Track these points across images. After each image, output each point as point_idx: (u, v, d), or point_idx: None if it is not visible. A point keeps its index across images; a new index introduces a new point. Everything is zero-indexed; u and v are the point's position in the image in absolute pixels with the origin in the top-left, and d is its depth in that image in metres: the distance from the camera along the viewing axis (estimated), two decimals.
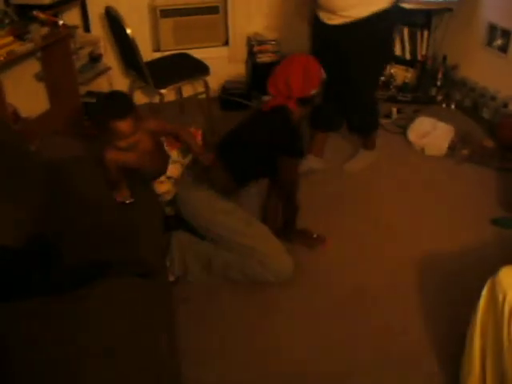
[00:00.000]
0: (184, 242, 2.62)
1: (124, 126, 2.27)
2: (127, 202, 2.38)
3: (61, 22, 3.45)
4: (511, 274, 1.74)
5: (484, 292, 1.79)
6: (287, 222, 2.77)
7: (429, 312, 2.42)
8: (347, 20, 2.90)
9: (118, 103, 2.31)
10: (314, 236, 2.84)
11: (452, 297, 2.47)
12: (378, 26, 2.94)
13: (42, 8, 3.38)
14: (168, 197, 2.65)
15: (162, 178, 2.63)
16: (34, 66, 3.76)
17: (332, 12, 2.92)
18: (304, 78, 2.54)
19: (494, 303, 1.73)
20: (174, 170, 2.66)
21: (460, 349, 1.94)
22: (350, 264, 2.71)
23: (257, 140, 2.52)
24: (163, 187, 2.63)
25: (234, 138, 2.62)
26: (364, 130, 3.55)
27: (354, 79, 3.13)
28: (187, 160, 2.72)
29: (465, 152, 3.62)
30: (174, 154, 2.69)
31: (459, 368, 1.94)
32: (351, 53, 3.02)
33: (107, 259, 1.84)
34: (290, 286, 2.53)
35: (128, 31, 3.29)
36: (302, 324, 2.37)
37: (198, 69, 3.73)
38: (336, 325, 2.37)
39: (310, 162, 3.41)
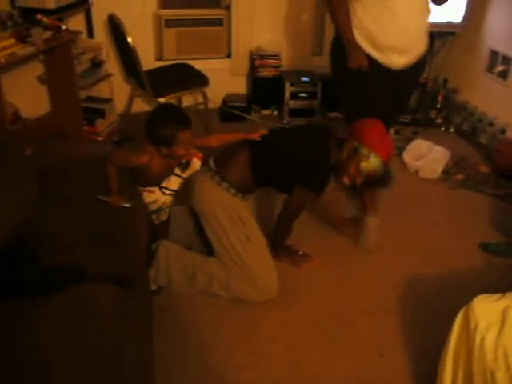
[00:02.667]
0: (171, 252, 2.62)
1: (189, 135, 2.34)
2: (127, 205, 2.37)
3: (63, 27, 3.49)
4: (485, 302, 1.73)
5: (457, 319, 1.78)
6: (276, 240, 2.75)
7: (406, 336, 2.41)
8: (418, 55, 2.78)
9: (184, 114, 2.38)
10: (300, 253, 2.83)
11: (431, 321, 2.45)
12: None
13: (47, 12, 3.42)
14: (154, 207, 2.66)
15: (153, 188, 2.64)
16: (37, 69, 3.79)
17: (401, 51, 2.71)
18: (381, 138, 2.39)
19: (467, 332, 1.73)
20: (174, 183, 2.67)
21: (434, 374, 1.93)
22: (333, 284, 2.70)
23: (293, 157, 2.47)
24: (152, 197, 2.64)
25: (273, 141, 2.54)
26: None
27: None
28: (186, 175, 2.72)
29: (459, 177, 3.62)
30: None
31: None
32: (410, 88, 2.99)
33: (83, 264, 1.84)
34: (270, 304, 2.52)
35: (129, 39, 3.33)
36: (279, 343, 2.36)
37: (198, 80, 3.76)
38: (313, 345, 2.36)
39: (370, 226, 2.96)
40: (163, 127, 2.30)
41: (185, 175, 2.71)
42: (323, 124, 2.79)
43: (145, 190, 2.61)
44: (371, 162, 2.35)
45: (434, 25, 4.08)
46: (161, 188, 2.63)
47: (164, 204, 2.67)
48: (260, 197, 2.88)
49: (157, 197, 2.63)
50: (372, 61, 2.70)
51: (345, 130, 2.56)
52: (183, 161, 2.67)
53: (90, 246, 2.04)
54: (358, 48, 2.68)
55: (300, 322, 2.47)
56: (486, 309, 1.72)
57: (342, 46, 2.72)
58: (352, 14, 2.65)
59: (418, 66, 2.83)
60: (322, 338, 2.39)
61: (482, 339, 1.66)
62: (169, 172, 2.60)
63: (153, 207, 2.64)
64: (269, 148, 2.50)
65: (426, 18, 2.73)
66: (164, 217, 2.74)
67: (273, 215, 2.80)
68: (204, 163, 2.71)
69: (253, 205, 2.77)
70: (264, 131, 2.53)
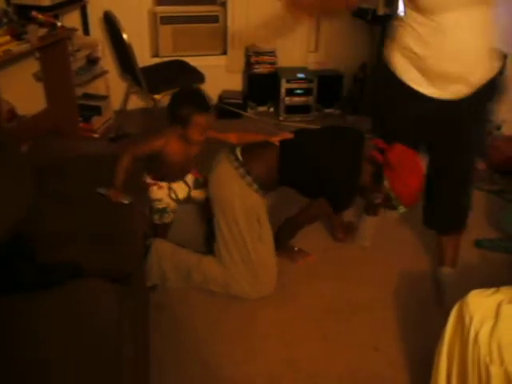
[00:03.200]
0: (164, 251, 2.60)
1: (207, 119, 2.40)
2: (126, 202, 2.38)
3: (59, 24, 3.48)
4: (479, 297, 1.74)
5: (452, 314, 1.79)
6: (279, 239, 2.70)
7: (402, 330, 2.42)
8: (478, 83, 2.22)
9: (204, 99, 2.44)
10: (296, 249, 2.84)
11: (426, 316, 2.47)
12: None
13: (42, 9, 3.42)
14: (158, 205, 2.65)
15: (163, 183, 2.62)
16: (33, 66, 3.79)
17: (454, 79, 2.21)
18: (416, 192, 2.34)
19: (462, 326, 1.74)
20: (182, 191, 2.67)
21: (429, 368, 1.94)
22: (329, 280, 2.71)
23: (324, 171, 2.44)
24: (159, 193, 2.63)
25: (306, 146, 2.52)
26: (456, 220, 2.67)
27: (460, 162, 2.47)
28: (195, 193, 2.73)
29: None
30: (189, 177, 2.70)
31: None
32: (468, 124, 2.35)
33: (81, 261, 1.84)
34: (266, 300, 2.53)
35: (124, 36, 3.33)
36: (274, 339, 2.37)
37: (193, 76, 3.76)
38: (309, 340, 2.36)
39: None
40: (181, 106, 2.38)
41: (193, 193, 2.73)
42: (356, 129, 2.65)
43: (155, 184, 2.61)
44: (397, 211, 2.42)
45: None
46: (170, 188, 2.62)
47: (168, 206, 2.66)
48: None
49: (163, 195, 2.62)
50: (412, 93, 2.28)
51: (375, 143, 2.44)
52: (200, 178, 2.69)
53: (87, 243, 2.04)
54: None
55: (296, 318, 2.48)
56: (480, 303, 1.73)
57: (384, 73, 2.36)
58: (397, 37, 2.27)
59: (481, 94, 2.25)
60: (318, 334, 2.40)
61: (477, 333, 1.66)
62: (187, 163, 2.59)
63: (157, 205, 2.64)
64: (301, 152, 2.49)
65: (489, 36, 2.18)
66: (167, 219, 2.73)
67: (279, 214, 2.78)
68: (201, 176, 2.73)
69: (269, 202, 2.72)
70: (288, 135, 2.53)
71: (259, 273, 2.49)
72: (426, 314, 2.49)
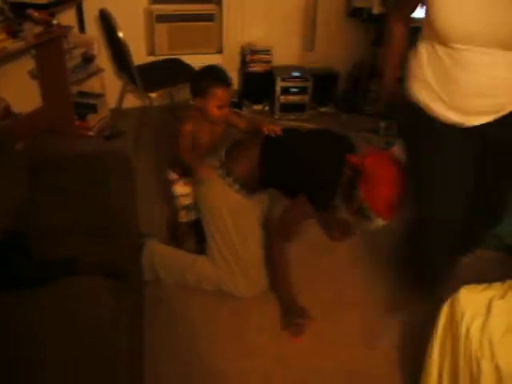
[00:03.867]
0: (157, 252, 2.62)
1: (226, 93, 2.44)
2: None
3: (55, 22, 3.49)
4: (471, 293, 1.76)
5: (443, 310, 1.81)
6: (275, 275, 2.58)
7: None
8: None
9: (225, 75, 2.48)
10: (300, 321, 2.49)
11: (418, 313, 2.47)
12: None
13: (38, 7, 3.42)
14: (186, 201, 2.67)
15: (188, 179, 2.65)
16: (28, 64, 3.79)
17: (480, 113, 1.92)
18: (391, 204, 2.19)
19: (453, 322, 1.76)
20: (181, 188, 2.68)
21: (421, 364, 1.96)
22: (320, 278, 2.73)
23: (307, 171, 2.34)
24: (185, 189, 2.66)
25: (289, 145, 2.45)
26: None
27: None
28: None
29: None
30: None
31: None
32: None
33: (76, 257, 1.86)
34: (260, 297, 2.54)
35: (120, 34, 3.33)
36: (267, 334, 2.39)
37: (189, 75, 3.76)
38: (300, 337, 2.39)
39: None
40: (202, 78, 2.46)
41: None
42: (344, 136, 2.54)
43: (180, 179, 2.65)
44: (374, 224, 2.26)
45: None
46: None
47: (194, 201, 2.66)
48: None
49: (189, 190, 2.66)
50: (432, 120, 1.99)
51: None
52: None
53: (83, 238, 2.06)
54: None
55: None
56: (471, 299, 1.75)
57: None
58: (416, 65, 1.99)
59: None
60: (309, 330, 2.41)
61: (468, 329, 1.68)
62: (215, 140, 2.60)
63: (185, 201, 2.67)
64: (283, 152, 2.43)
65: None
66: (194, 216, 2.74)
67: None
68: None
69: (264, 207, 2.68)
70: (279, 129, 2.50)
71: (250, 271, 2.50)
72: (417, 310, 2.50)
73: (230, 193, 2.42)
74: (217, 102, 2.42)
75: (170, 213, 2.92)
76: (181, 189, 2.66)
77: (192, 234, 2.84)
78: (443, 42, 1.82)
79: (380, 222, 2.24)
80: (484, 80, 1.82)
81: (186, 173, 2.61)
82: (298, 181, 2.37)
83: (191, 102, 2.54)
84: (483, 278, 1.90)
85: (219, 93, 2.41)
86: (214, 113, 2.45)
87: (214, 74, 2.46)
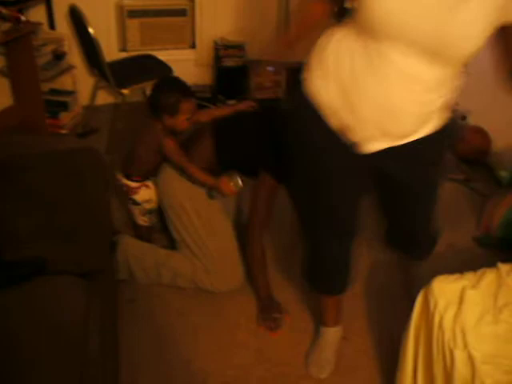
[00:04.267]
0: (131, 248, 2.59)
1: (194, 104, 2.39)
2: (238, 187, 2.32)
3: (23, 18, 3.43)
4: (444, 283, 1.78)
5: (418, 300, 1.82)
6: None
7: (371, 319, 2.46)
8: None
9: (186, 85, 2.43)
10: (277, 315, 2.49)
11: (396, 305, 2.49)
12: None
13: (6, 3, 3.36)
14: (148, 206, 2.62)
15: (148, 183, 2.58)
16: None
17: (380, 136, 1.67)
18: None
19: (427, 311, 1.77)
20: (145, 193, 2.60)
21: (398, 356, 1.97)
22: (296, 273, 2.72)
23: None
24: (148, 193, 2.58)
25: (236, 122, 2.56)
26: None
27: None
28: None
29: None
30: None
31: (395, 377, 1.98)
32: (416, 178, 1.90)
33: (45, 256, 1.83)
34: (235, 291, 2.54)
35: (90, 30, 3.29)
36: (244, 329, 2.40)
37: (161, 70, 3.73)
38: (280, 331, 2.40)
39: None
40: (167, 95, 2.33)
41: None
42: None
43: (141, 186, 2.56)
44: None
45: None
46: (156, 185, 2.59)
47: (156, 204, 2.63)
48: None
49: (151, 194, 2.59)
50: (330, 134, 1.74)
51: None
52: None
53: (54, 238, 2.03)
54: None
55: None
56: (444, 289, 1.76)
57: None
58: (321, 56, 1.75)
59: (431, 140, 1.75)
60: (285, 324, 2.42)
61: (441, 318, 1.70)
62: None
63: (147, 206, 2.61)
64: (233, 132, 2.50)
65: (437, 98, 1.62)
66: (155, 218, 2.72)
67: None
68: None
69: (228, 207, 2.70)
70: (251, 103, 2.53)
71: (221, 266, 2.49)
72: (395, 302, 2.52)
73: (193, 189, 2.43)
74: (186, 116, 2.37)
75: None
76: (145, 194, 2.59)
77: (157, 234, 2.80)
78: (369, 30, 1.52)
79: None
80: (387, 97, 1.55)
81: (146, 176, 2.56)
82: (251, 152, 2.43)
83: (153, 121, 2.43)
84: (461, 271, 1.91)
85: (189, 106, 2.36)
86: (184, 126, 2.40)
87: (179, 89, 2.38)
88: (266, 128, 2.44)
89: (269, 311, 2.45)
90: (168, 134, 2.40)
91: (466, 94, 3.91)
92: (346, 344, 2.33)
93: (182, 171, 2.41)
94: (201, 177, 2.38)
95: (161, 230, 2.79)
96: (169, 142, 2.39)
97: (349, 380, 2.19)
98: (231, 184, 2.30)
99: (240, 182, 2.29)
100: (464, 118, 3.91)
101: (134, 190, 2.57)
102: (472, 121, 3.86)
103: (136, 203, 2.61)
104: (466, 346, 1.62)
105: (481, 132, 3.74)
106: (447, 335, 1.66)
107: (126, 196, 2.61)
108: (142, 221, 2.67)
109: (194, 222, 2.45)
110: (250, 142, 2.47)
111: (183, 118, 2.36)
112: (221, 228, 2.52)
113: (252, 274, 2.53)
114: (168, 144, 2.39)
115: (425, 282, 1.84)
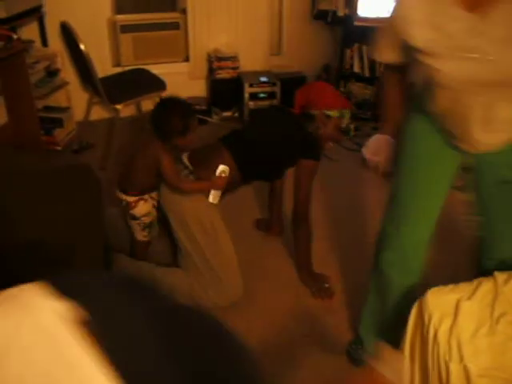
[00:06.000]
0: (126, 266, 2.58)
1: (197, 121, 2.48)
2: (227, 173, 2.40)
3: (15, 36, 3.43)
4: (438, 295, 1.75)
5: (412, 313, 1.79)
6: (301, 255, 2.71)
7: None
8: None
9: (186, 103, 2.50)
10: (326, 285, 2.71)
11: None
12: None
13: None
14: (147, 220, 2.58)
15: (145, 196, 2.55)
16: None
17: None
18: (336, 97, 2.71)
19: (421, 325, 1.75)
20: (143, 207, 2.56)
21: None
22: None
23: (279, 139, 2.56)
24: (146, 207, 2.55)
25: (250, 134, 2.65)
26: None
27: None
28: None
29: None
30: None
31: None
32: None
33: (36, 275, 1.81)
34: (234, 307, 2.50)
35: (82, 46, 3.29)
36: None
37: (154, 84, 3.74)
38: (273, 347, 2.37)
39: None
40: (174, 119, 2.34)
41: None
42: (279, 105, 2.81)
43: (140, 200, 2.53)
44: (343, 117, 2.61)
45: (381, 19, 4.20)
46: (152, 198, 2.56)
47: (154, 218, 2.61)
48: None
49: (149, 208, 2.56)
50: None
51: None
52: None
53: (43, 257, 2.01)
54: None
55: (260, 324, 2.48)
56: (439, 301, 1.73)
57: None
58: None
59: None
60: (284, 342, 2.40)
61: (436, 331, 1.67)
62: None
63: (146, 220, 2.58)
64: (248, 142, 2.56)
65: None
66: (154, 233, 2.70)
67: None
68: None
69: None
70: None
71: (222, 278, 2.47)
72: None
73: (200, 201, 2.41)
74: (195, 131, 2.40)
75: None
76: (143, 208, 2.55)
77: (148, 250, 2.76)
78: None
79: (343, 112, 2.61)
80: None
81: (143, 190, 2.53)
82: (278, 154, 2.54)
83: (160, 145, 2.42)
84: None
85: (195, 122, 2.42)
86: (195, 140, 2.43)
87: (184, 109, 2.40)
88: (290, 125, 2.61)
89: (320, 282, 2.68)
90: (167, 152, 2.40)
91: None
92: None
93: (174, 188, 2.41)
94: (195, 188, 2.41)
95: (165, 234, 2.78)
96: (166, 159, 2.39)
97: None
98: (222, 175, 2.39)
99: (225, 168, 2.39)
100: None
101: (132, 205, 2.54)
102: None
103: (135, 218, 2.58)
104: (461, 359, 1.59)
105: None
106: (442, 348, 1.64)
107: (126, 212, 2.60)
108: (143, 236, 2.65)
109: (198, 237, 2.43)
110: (272, 145, 2.53)
111: (193, 135, 2.40)
112: (223, 239, 2.50)
113: (301, 254, 2.69)
114: (165, 161, 2.39)
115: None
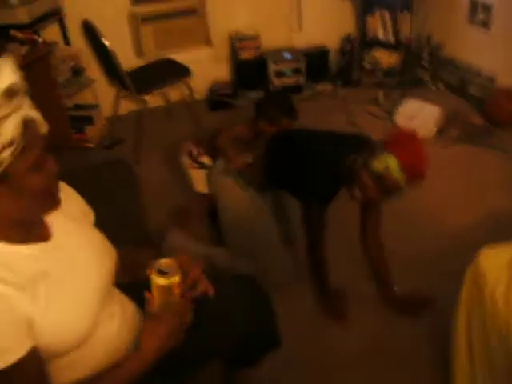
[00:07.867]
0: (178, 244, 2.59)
1: (291, 123, 2.72)
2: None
3: (40, 40, 3.46)
4: (491, 254, 1.72)
5: (466, 276, 1.77)
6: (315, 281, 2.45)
7: None
8: None
9: (293, 105, 2.78)
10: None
11: (437, 283, 2.40)
12: None
13: (21, 27, 3.39)
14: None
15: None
16: None
17: None
18: (406, 144, 2.04)
19: (477, 286, 1.72)
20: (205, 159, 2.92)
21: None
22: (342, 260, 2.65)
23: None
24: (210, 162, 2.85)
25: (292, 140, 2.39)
26: None
27: None
28: None
29: (453, 132, 3.60)
30: None
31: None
32: None
33: None
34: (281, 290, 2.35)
35: (106, 42, 3.31)
36: (294, 321, 2.35)
37: (179, 72, 3.74)
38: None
39: None
40: (274, 108, 2.73)
41: None
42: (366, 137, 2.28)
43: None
44: (383, 162, 1.94)
45: None
46: None
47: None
48: None
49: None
50: None
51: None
52: None
53: None
54: None
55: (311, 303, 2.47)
56: (492, 259, 1.71)
57: None
58: None
59: None
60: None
61: (493, 290, 1.64)
62: None
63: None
64: (286, 149, 2.35)
65: None
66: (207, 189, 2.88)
67: None
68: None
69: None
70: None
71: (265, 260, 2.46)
72: (436, 279, 2.46)
73: (245, 195, 2.46)
74: (278, 128, 2.64)
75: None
76: (205, 159, 2.84)
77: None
78: None
79: (389, 159, 1.94)
80: None
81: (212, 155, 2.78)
82: (298, 175, 2.23)
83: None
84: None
85: (288, 123, 2.70)
86: (271, 134, 2.55)
87: (286, 107, 2.74)
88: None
89: (337, 300, 2.37)
90: (242, 127, 2.77)
91: (490, 56, 3.85)
92: (402, 331, 2.29)
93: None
94: (226, 150, 2.58)
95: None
96: (234, 131, 2.72)
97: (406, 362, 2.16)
98: (242, 159, 2.50)
99: (249, 158, 2.49)
100: (492, 79, 3.81)
101: (198, 155, 2.87)
102: (501, 82, 3.76)
103: (204, 166, 2.83)
104: None
105: None
106: (501, 306, 1.60)
107: (193, 162, 2.87)
108: (203, 188, 2.80)
109: (237, 218, 2.47)
110: (297, 160, 2.24)
111: (273, 130, 2.61)
112: (263, 228, 2.48)
113: (317, 270, 2.37)
114: (233, 130, 2.71)
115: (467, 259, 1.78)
